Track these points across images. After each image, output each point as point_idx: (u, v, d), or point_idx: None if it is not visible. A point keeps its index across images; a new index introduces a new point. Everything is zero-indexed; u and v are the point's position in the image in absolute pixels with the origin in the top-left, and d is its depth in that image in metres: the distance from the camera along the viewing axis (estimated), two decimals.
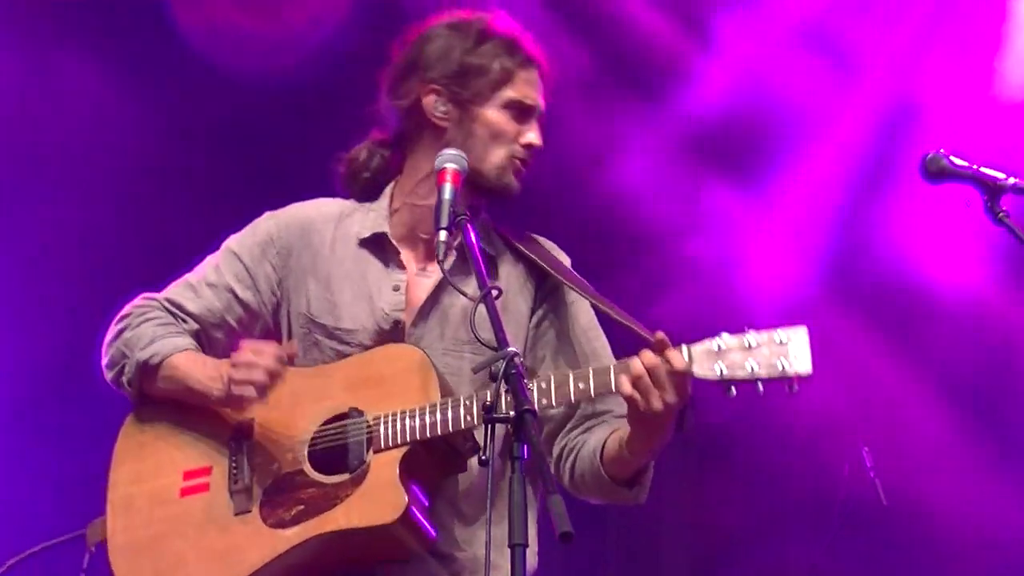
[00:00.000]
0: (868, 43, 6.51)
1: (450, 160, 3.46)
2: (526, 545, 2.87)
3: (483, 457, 3.02)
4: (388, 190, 3.74)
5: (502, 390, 3.04)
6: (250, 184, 6.03)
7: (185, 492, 3.53)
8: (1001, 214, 3.47)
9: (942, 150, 3.55)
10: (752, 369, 3.19)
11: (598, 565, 5.93)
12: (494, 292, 3.22)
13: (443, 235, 3.34)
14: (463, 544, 3.51)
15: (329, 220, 3.71)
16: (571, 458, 3.60)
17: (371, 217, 3.69)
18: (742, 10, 6.55)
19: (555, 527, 2.77)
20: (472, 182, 3.57)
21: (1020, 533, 6.15)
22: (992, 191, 3.48)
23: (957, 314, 6.31)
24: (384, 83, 3.73)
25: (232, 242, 3.74)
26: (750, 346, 3.21)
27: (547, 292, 3.71)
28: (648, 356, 3.26)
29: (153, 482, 3.56)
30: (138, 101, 6.26)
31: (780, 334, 3.21)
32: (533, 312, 3.68)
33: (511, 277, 3.69)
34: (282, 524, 3.41)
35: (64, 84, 6.17)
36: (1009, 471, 6.25)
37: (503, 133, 3.63)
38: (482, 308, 3.15)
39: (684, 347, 3.26)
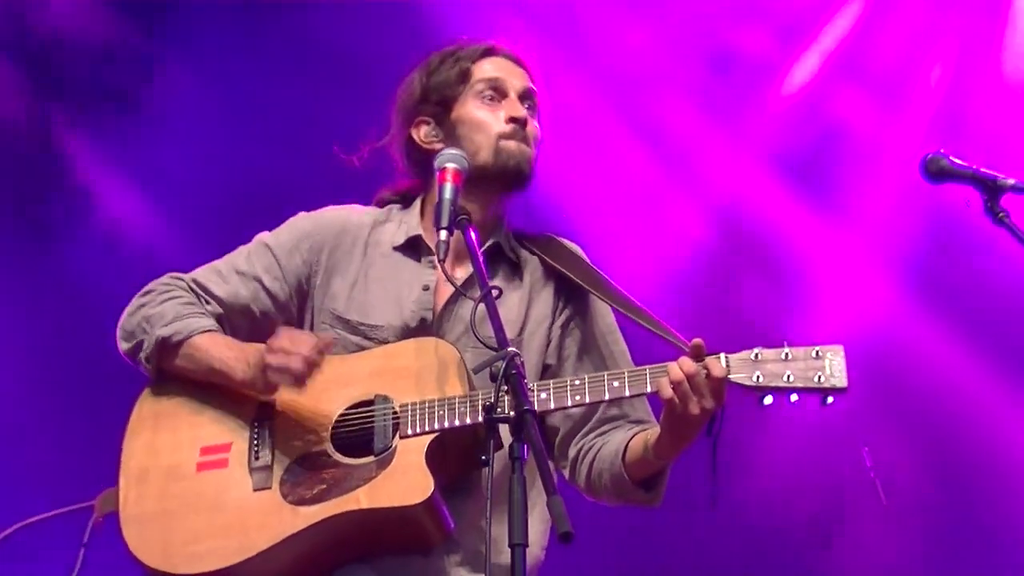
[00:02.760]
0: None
1: (450, 159, 3.53)
2: (526, 545, 2.88)
3: (483, 458, 3.06)
4: (417, 203, 3.81)
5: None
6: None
7: (202, 467, 3.53)
8: (1001, 214, 3.48)
9: (942, 150, 3.56)
10: (788, 379, 3.29)
11: (598, 563, 5.93)
12: (494, 292, 3.28)
13: (443, 234, 3.41)
14: (479, 538, 3.49)
15: (363, 226, 3.77)
16: (588, 458, 3.65)
17: (403, 228, 3.75)
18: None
19: (555, 527, 2.80)
20: (483, 180, 3.66)
21: None
22: (992, 191, 3.49)
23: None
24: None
25: (265, 236, 3.79)
26: (787, 358, 3.31)
27: (570, 292, 3.76)
28: (688, 363, 3.32)
29: (170, 456, 3.57)
30: None
31: (817, 349, 3.31)
32: (556, 312, 3.74)
33: (535, 280, 3.75)
34: (303, 502, 3.42)
35: None
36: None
37: (482, 120, 3.72)
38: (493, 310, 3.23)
39: (722, 355, 3.34)
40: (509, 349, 3.08)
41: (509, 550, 2.86)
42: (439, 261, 3.38)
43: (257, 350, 3.51)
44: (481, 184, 3.67)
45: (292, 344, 3.45)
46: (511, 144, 3.70)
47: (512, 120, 3.71)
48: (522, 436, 2.98)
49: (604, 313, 3.77)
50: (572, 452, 3.69)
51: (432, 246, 3.63)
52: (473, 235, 3.45)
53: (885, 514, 6.11)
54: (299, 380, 3.45)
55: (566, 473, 3.71)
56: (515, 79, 3.78)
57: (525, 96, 3.77)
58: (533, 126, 3.76)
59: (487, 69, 3.78)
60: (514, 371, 3.04)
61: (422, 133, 3.77)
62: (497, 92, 3.75)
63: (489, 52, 3.81)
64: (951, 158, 3.54)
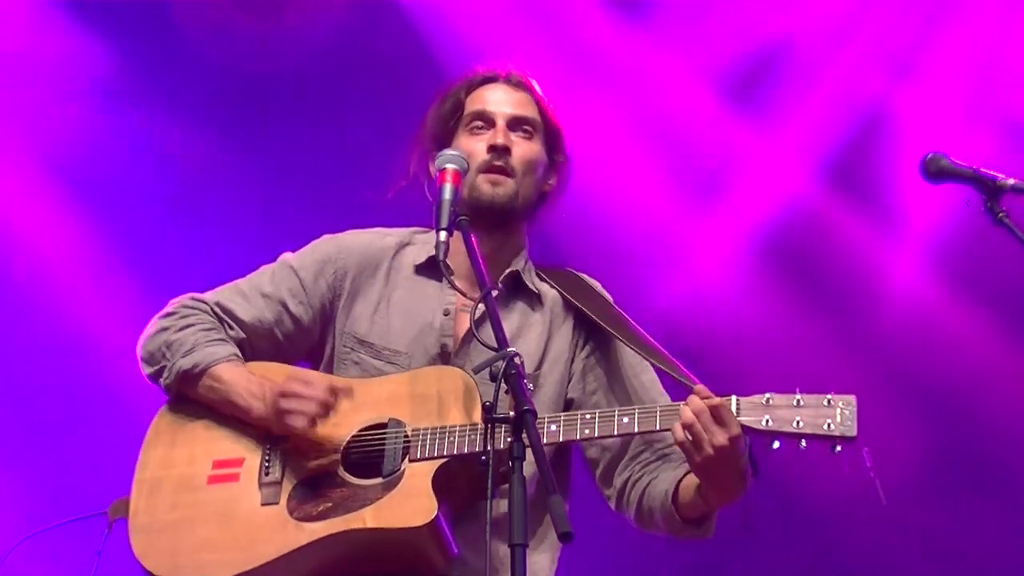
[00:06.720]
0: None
1: (449, 160, 3.54)
2: (526, 545, 2.89)
3: (483, 458, 3.09)
4: None
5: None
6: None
7: (213, 480, 3.56)
8: (1001, 214, 3.46)
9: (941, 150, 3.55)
10: (798, 425, 3.31)
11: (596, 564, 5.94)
12: (494, 293, 3.31)
13: (443, 235, 3.42)
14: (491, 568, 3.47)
15: (387, 249, 3.79)
16: (638, 492, 3.65)
17: (425, 248, 3.74)
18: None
19: (555, 527, 2.83)
20: (472, 214, 3.60)
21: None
22: (992, 191, 3.48)
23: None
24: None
25: (290, 257, 3.80)
26: (798, 404, 3.34)
27: (590, 328, 3.77)
28: (695, 401, 3.34)
29: (183, 468, 3.60)
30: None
31: (829, 398, 3.33)
32: (576, 347, 3.76)
33: (555, 314, 3.77)
34: (308, 518, 3.45)
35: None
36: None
37: (469, 153, 3.68)
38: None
39: (733, 398, 3.36)
40: (509, 349, 3.09)
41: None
42: (439, 260, 3.40)
43: (274, 387, 3.54)
44: (475, 219, 3.61)
45: (306, 388, 3.49)
46: (482, 179, 3.68)
47: (491, 149, 3.70)
48: (521, 436, 2.99)
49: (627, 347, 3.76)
50: (618, 481, 3.69)
51: (454, 266, 3.60)
52: (473, 239, 3.44)
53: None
54: (311, 425, 3.48)
55: (612, 503, 3.72)
56: (506, 106, 3.76)
57: (517, 123, 3.75)
58: (521, 152, 3.72)
59: (478, 99, 3.78)
60: (513, 371, 3.05)
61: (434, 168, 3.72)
62: (485, 122, 3.75)
63: (488, 80, 3.81)
64: (951, 158, 3.53)
